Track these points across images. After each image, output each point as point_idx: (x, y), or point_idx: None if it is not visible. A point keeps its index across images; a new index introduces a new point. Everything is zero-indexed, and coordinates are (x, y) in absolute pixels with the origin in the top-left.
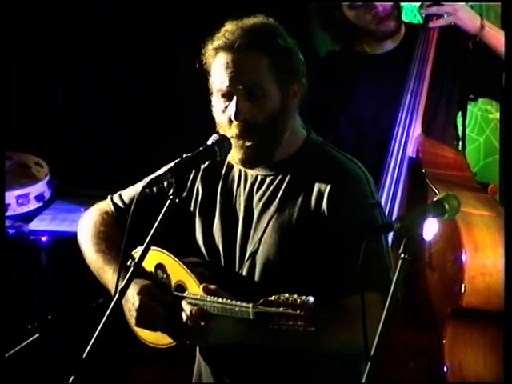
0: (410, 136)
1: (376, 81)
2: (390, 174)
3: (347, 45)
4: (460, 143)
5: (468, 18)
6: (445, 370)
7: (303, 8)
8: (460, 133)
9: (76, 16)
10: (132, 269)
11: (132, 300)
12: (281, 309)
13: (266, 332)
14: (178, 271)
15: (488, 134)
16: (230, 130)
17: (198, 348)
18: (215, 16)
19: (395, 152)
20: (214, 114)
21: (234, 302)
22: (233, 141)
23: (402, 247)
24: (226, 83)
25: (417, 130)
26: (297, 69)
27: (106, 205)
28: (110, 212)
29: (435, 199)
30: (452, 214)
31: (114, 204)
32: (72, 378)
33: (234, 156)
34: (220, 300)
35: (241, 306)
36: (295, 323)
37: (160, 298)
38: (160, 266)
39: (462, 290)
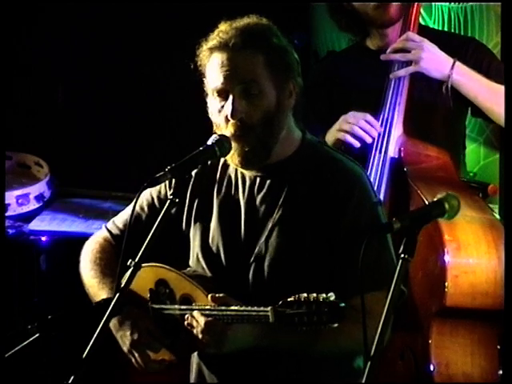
0: (391, 136)
1: (379, 77)
2: (372, 175)
3: (354, 38)
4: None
5: (433, 67)
6: (431, 368)
7: (304, 8)
8: None
9: (76, 16)
10: (132, 268)
11: (130, 330)
12: (303, 308)
13: (284, 334)
14: (182, 285)
15: (488, 134)
16: (227, 130)
17: (196, 354)
18: (212, 16)
19: (377, 152)
20: (210, 115)
21: (249, 307)
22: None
23: (401, 247)
24: (222, 81)
25: (398, 130)
26: (292, 68)
27: (102, 233)
28: (107, 239)
29: (435, 199)
30: (452, 213)
31: (109, 230)
32: (72, 377)
33: (233, 157)
34: (233, 308)
35: (258, 310)
36: (320, 320)
37: (156, 332)
38: (161, 282)
39: (446, 290)
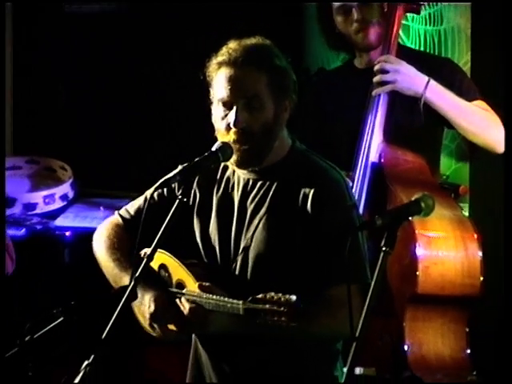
0: (371, 144)
1: (365, 94)
2: (356, 178)
3: (345, 55)
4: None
5: (407, 87)
6: (406, 348)
7: (298, 29)
8: None
9: (76, 16)
10: (146, 260)
11: (148, 304)
12: (267, 306)
13: (255, 325)
14: (178, 271)
15: (459, 142)
16: (228, 136)
17: (194, 334)
18: (212, 18)
19: (360, 158)
20: (214, 121)
21: (226, 298)
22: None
23: (383, 241)
24: (228, 94)
25: (378, 138)
26: (289, 87)
27: (115, 219)
28: (120, 224)
29: (413, 199)
30: (428, 211)
31: (122, 217)
32: (92, 357)
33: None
34: (214, 297)
35: (232, 302)
36: (279, 319)
37: (169, 308)
38: (163, 266)
39: (418, 279)
